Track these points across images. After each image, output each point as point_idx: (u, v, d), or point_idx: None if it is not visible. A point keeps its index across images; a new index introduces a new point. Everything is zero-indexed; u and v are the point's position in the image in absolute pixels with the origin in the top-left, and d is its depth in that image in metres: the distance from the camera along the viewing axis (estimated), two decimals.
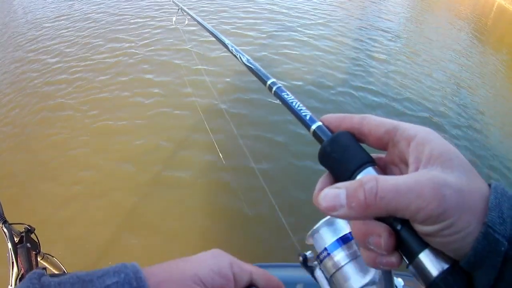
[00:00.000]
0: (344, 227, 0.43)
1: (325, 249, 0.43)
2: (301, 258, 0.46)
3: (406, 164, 0.31)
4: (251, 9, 7.80)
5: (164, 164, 3.51)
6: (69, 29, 6.74)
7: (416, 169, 0.29)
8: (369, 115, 0.34)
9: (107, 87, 4.74)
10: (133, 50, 5.72)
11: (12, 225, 1.22)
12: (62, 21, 7.18)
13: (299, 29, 7.00)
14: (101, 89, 4.71)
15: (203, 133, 3.69)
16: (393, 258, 0.30)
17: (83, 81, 4.90)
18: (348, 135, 0.34)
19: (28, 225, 1.26)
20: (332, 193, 0.30)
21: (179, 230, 2.90)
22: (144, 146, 3.72)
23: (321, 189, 0.31)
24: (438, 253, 0.28)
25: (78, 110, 4.29)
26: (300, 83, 5.02)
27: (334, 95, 4.92)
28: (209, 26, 0.90)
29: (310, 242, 0.45)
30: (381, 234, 0.29)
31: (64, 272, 1.44)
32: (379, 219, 0.30)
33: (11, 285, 1.13)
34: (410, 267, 0.30)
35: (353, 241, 0.42)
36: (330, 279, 0.43)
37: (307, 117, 0.37)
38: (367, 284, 0.40)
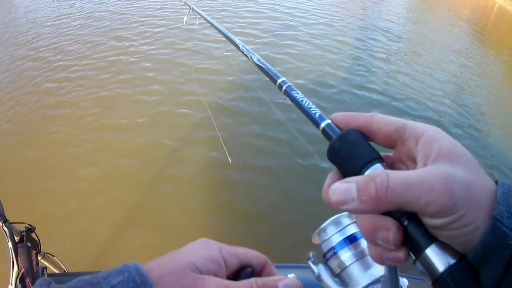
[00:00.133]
0: (351, 227, 0.44)
1: (332, 248, 0.43)
2: (310, 254, 0.46)
3: (414, 161, 0.32)
4: (253, 9, 7.82)
5: (166, 162, 3.51)
6: (70, 28, 6.74)
7: (425, 165, 0.30)
8: (377, 113, 0.35)
9: (109, 85, 4.74)
10: (134, 49, 5.72)
11: (13, 224, 1.21)
12: (64, 20, 7.18)
13: (301, 28, 7.01)
14: (103, 87, 4.70)
15: (207, 130, 3.71)
16: (400, 254, 0.30)
17: (84, 79, 4.90)
18: (357, 132, 0.34)
19: (29, 224, 1.26)
20: (342, 187, 0.30)
21: (181, 227, 2.89)
22: (146, 143, 3.71)
23: (330, 184, 0.32)
24: (445, 248, 0.29)
25: (79, 108, 4.29)
26: (302, 81, 5.02)
27: (336, 93, 4.92)
28: (220, 26, 0.92)
29: (316, 241, 0.45)
30: (389, 228, 0.30)
31: (65, 271, 1.44)
32: (387, 214, 0.30)
33: (11, 284, 1.13)
34: (417, 263, 0.30)
35: (360, 241, 0.42)
36: (336, 278, 0.43)
37: (317, 115, 0.39)
38: (372, 283, 0.40)
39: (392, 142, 0.34)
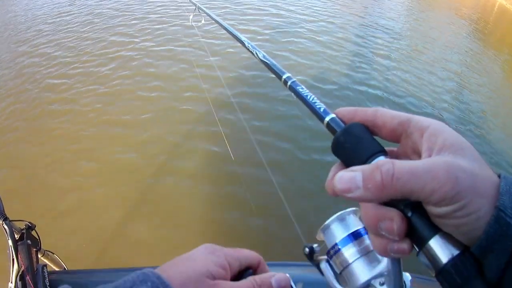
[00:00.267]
0: (355, 223, 0.43)
1: (336, 244, 0.43)
2: (307, 250, 0.46)
3: (418, 155, 0.32)
4: (255, 6, 7.80)
5: (168, 157, 3.52)
6: (70, 25, 6.73)
7: (429, 156, 0.30)
8: (382, 108, 0.35)
9: (110, 82, 4.74)
10: (135, 46, 5.71)
11: (13, 222, 1.21)
12: (64, 18, 7.17)
13: (303, 25, 7.00)
14: (103, 84, 4.70)
15: (209, 126, 3.71)
16: (405, 245, 0.30)
17: (85, 76, 4.90)
18: (361, 126, 0.35)
19: (29, 222, 1.26)
20: (348, 175, 0.30)
21: (183, 221, 2.90)
22: (148, 139, 3.71)
23: (334, 176, 0.32)
24: (449, 239, 0.29)
25: (80, 105, 4.28)
26: (303, 78, 5.01)
27: (337, 90, 4.93)
28: (225, 24, 0.94)
29: (321, 237, 0.45)
30: (393, 218, 0.30)
31: (65, 268, 1.44)
32: (391, 205, 0.30)
33: (11, 282, 1.13)
34: (420, 255, 0.30)
35: (364, 237, 0.42)
36: (340, 274, 0.43)
37: (321, 110, 0.39)
38: (376, 276, 0.40)
39: (397, 136, 0.34)
